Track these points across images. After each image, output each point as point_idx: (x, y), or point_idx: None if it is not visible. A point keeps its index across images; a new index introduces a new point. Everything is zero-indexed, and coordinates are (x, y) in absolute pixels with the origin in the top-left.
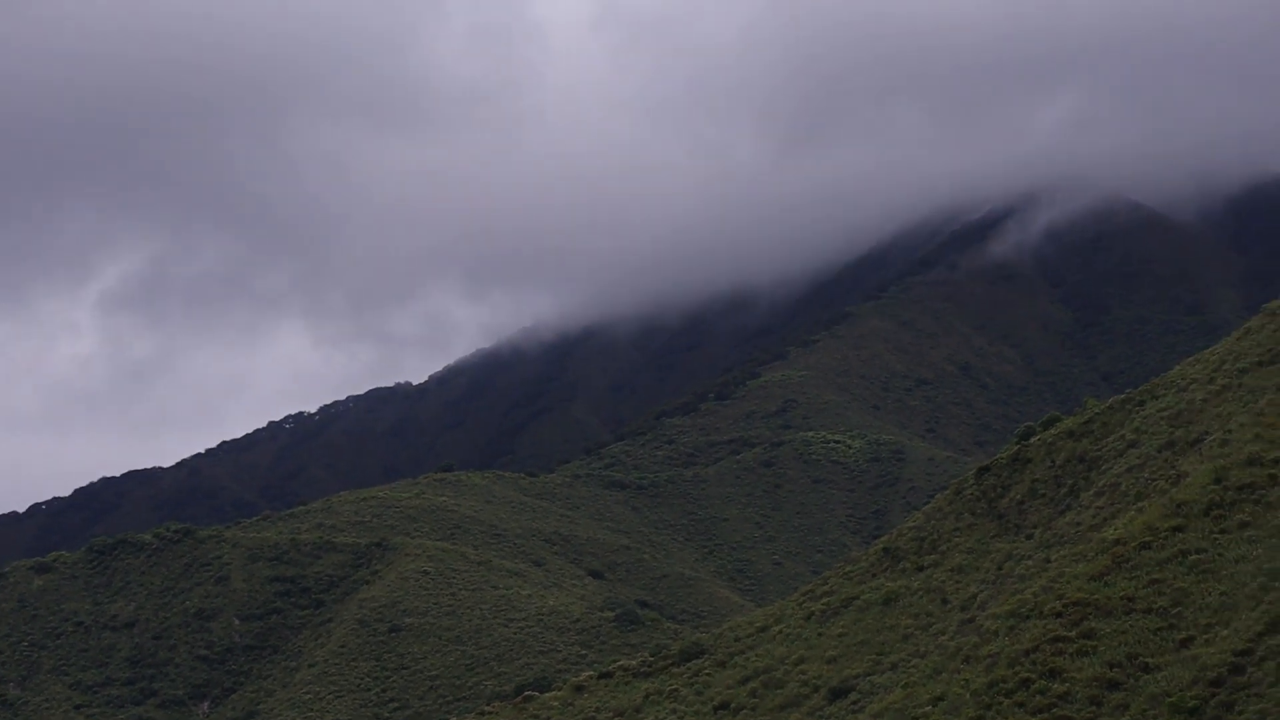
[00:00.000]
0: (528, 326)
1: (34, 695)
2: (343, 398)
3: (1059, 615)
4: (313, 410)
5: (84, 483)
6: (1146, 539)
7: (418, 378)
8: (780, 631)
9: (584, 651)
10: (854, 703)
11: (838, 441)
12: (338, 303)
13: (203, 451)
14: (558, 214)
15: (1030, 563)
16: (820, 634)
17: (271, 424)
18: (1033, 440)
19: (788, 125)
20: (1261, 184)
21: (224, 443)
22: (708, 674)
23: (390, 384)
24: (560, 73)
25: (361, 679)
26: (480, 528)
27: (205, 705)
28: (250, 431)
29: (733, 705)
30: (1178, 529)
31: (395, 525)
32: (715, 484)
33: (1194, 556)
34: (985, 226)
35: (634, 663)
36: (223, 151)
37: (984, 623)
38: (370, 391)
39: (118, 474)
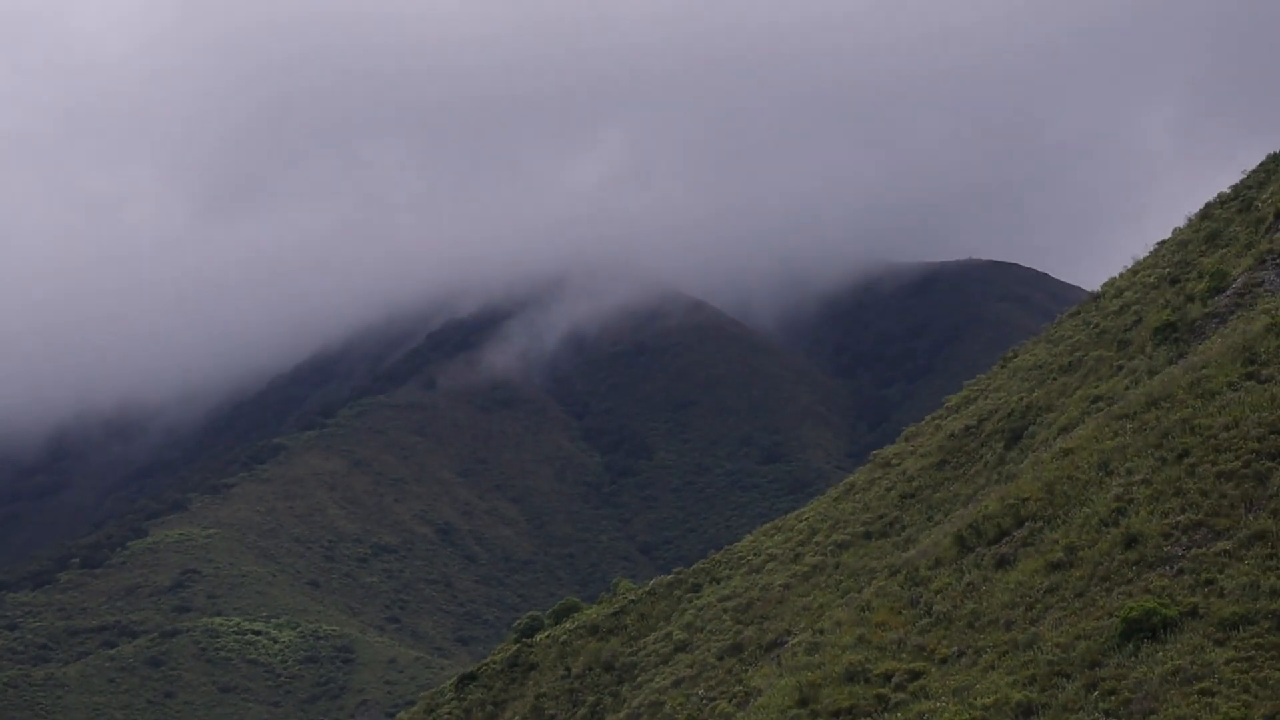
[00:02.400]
0: None
1: None
2: None
3: None
4: None
5: None
6: None
7: None
8: None
9: None
10: None
11: (258, 632)
12: None
13: None
14: None
15: None
16: None
17: None
18: (539, 637)
19: (208, 178)
20: (866, 277)
21: None
22: None
23: None
24: None
25: None
26: None
27: None
28: None
29: None
30: None
31: None
32: (78, 689)
33: None
34: (478, 327)
35: None
36: None
37: None
38: None
39: None
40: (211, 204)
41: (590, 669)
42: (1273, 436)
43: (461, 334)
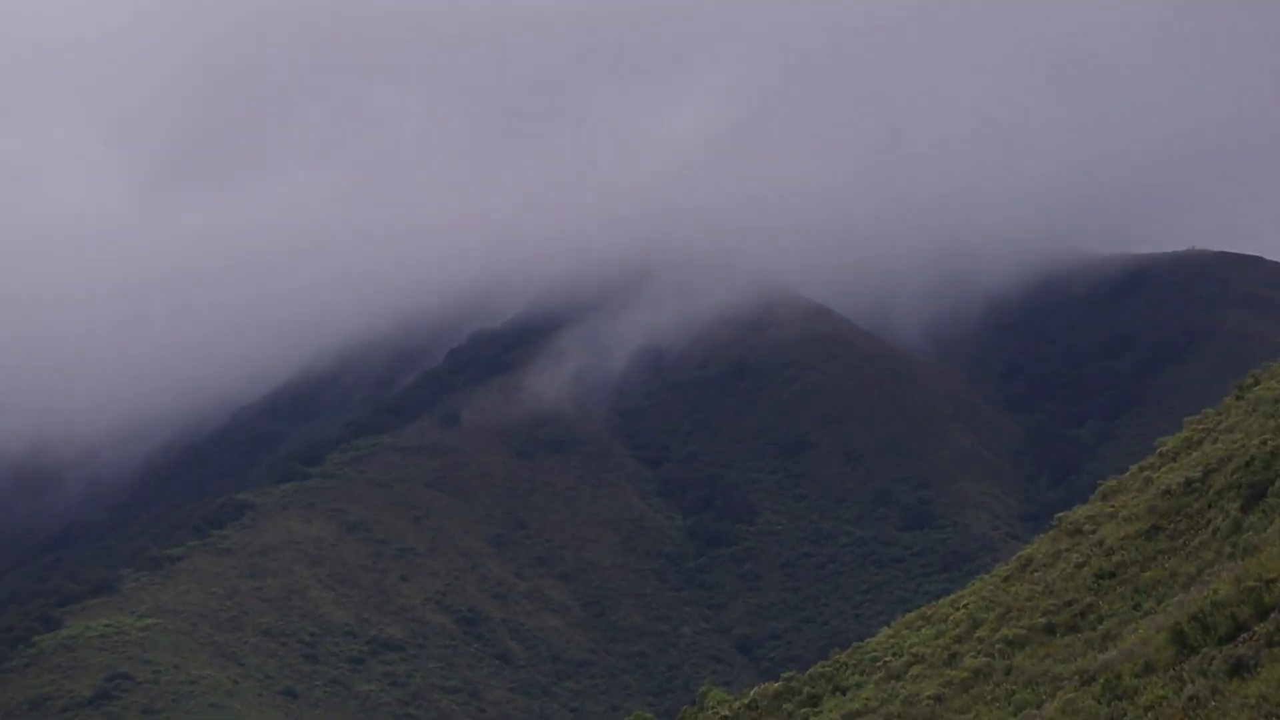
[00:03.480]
0: None
1: None
2: None
3: None
4: None
5: None
6: None
7: None
8: None
9: None
10: None
11: None
12: None
13: None
14: None
15: None
16: None
17: None
18: None
19: (160, 139)
20: (1050, 274)
21: None
22: None
23: None
24: None
25: None
26: None
27: None
28: None
29: None
30: None
31: None
32: None
33: None
34: (518, 341)
35: None
36: None
37: None
38: None
39: None
40: (164, 172)
41: None
42: None
43: (495, 350)
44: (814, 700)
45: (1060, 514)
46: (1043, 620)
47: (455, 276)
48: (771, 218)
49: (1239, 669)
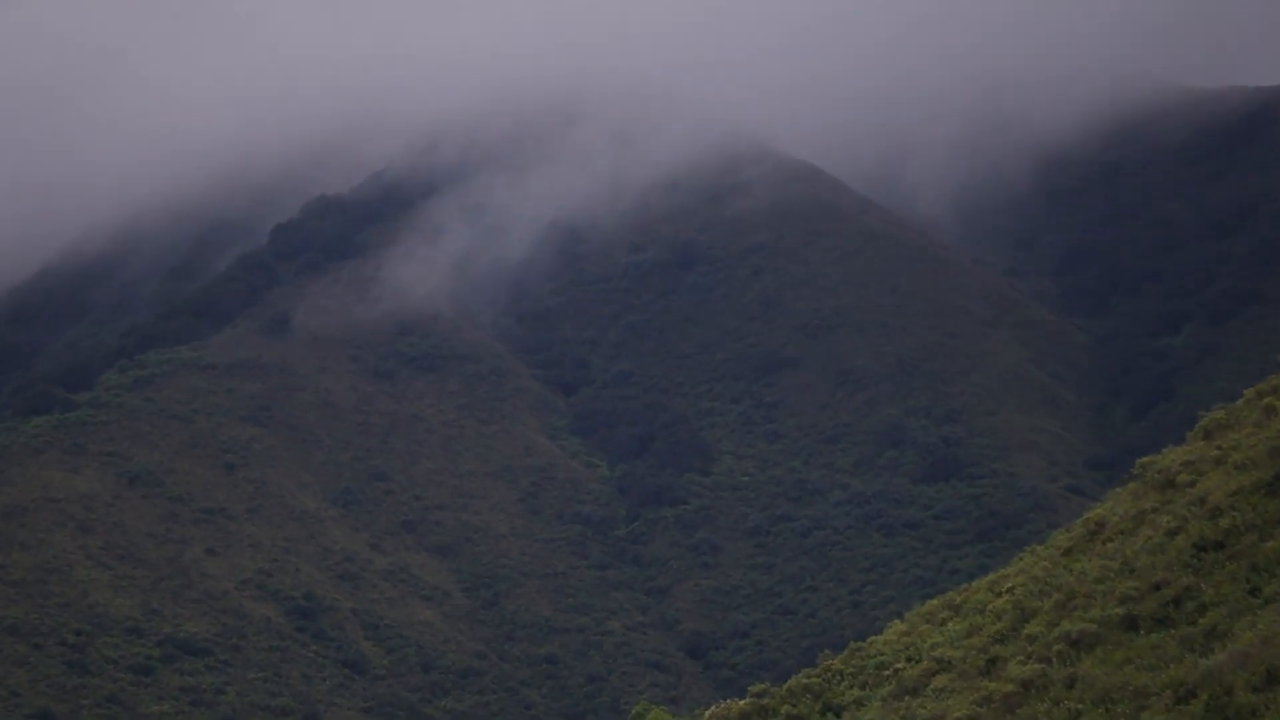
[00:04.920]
0: None
1: None
2: None
3: None
4: None
5: None
6: None
7: None
8: None
9: None
10: None
11: None
12: None
13: None
14: None
15: None
16: None
17: None
18: None
19: None
20: (1127, 116)
21: None
22: None
23: None
24: None
25: None
26: None
27: None
28: None
29: None
30: None
31: None
32: None
33: None
34: (374, 209)
35: None
36: None
37: None
38: None
39: None
40: None
41: None
42: None
43: (342, 225)
44: None
45: (1144, 459)
46: (1120, 611)
47: (286, 117)
48: (740, 43)
49: None
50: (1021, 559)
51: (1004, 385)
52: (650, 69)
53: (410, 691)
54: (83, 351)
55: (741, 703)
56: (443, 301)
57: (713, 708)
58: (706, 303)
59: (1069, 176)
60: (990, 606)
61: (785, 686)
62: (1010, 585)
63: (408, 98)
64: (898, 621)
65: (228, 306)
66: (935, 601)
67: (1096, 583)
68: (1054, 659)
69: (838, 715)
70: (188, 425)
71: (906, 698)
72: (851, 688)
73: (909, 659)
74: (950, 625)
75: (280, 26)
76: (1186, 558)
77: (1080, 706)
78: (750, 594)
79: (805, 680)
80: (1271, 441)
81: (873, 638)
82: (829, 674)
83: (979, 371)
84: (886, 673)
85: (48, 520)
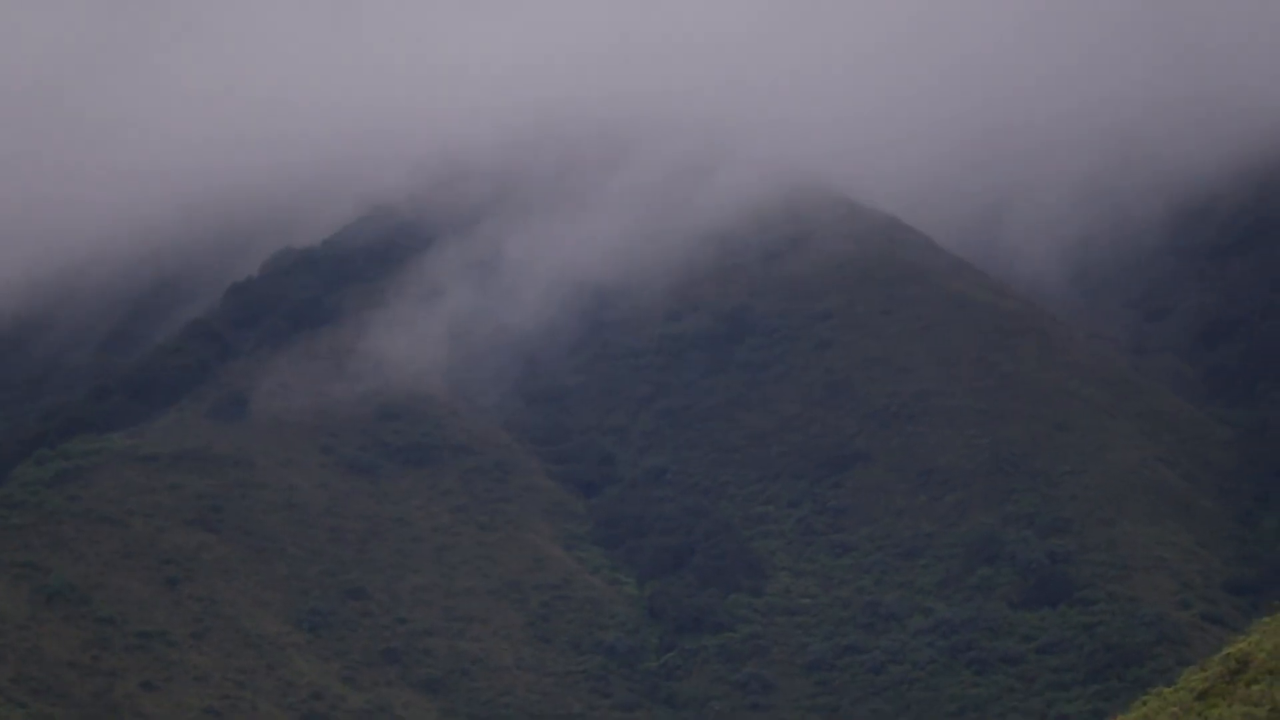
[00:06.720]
0: None
1: None
2: None
3: None
4: None
5: None
6: None
7: None
8: None
9: None
10: None
11: None
12: None
13: None
14: None
15: None
16: None
17: None
18: None
19: None
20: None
21: None
22: None
23: None
24: None
25: None
26: None
27: None
28: None
29: None
30: None
31: None
32: None
33: None
34: (352, 265)
35: None
36: None
37: None
38: None
39: None
40: None
41: None
42: None
43: (312, 285)
44: None
45: None
46: None
47: (250, 154)
48: (808, 69)
49: None
50: (1145, 703)
51: (1125, 489)
52: (698, 97)
53: None
54: None
55: None
56: (436, 379)
57: None
58: (760, 384)
59: (1211, 231)
60: None
61: None
62: None
63: (400, 124)
64: None
65: (172, 384)
66: None
67: None
68: None
69: None
70: (121, 530)
71: None
72: None
73: None
74: None
75: (251, 34)
76: None
77: None
78: None
79: None
80: None
81: None
82: None
83: (1094, 471)
84: None
85: None
